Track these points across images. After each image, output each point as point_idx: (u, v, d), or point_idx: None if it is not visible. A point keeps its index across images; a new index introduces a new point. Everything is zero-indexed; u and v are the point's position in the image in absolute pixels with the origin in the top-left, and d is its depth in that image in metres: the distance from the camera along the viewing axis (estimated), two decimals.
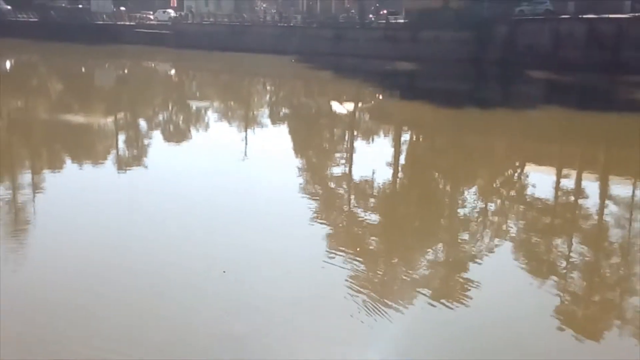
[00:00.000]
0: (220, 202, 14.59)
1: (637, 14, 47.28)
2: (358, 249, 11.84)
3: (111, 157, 20.80)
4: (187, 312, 9.05)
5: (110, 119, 29.00)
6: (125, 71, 55.83)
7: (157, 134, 25.79)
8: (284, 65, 55.37)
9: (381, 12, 65.74)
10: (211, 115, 31.71)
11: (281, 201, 14.87)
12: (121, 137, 24.25)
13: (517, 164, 21.18)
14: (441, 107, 32.57)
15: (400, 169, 20.49)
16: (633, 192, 17.24)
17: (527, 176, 19.51)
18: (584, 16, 48.14)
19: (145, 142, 23.77)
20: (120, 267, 10.63)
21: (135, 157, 21.32)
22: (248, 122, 29.19)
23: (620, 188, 17.85)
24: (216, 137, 25.53)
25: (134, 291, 9.73)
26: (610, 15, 46.86)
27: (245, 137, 24.85)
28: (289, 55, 58.03)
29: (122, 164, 19.45)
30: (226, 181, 16.74)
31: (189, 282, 10.04)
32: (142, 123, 28.63)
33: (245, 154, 21.20)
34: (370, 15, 65.04)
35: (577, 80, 42.46)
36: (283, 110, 34.98)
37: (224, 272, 10.35)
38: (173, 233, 12.37)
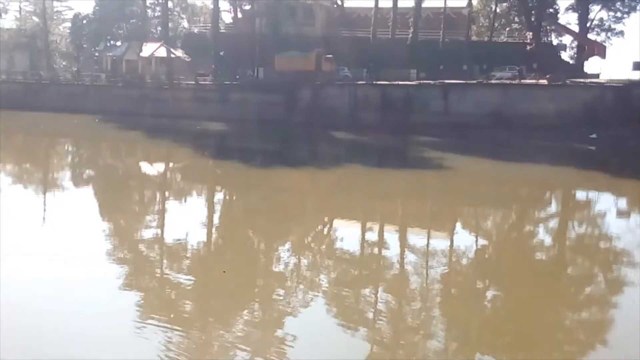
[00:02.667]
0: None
1: (421, 82, 53.24)
2: (172, 316, 11.41)
3: None
4: None
5: None
6: None
7: None
8: (87, 125, 52.65)
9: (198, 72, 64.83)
10: (2, 180, 28.82)
11: (86, 268, 13.86)
12: None
13: (326, 219, 22.21)
14: (252, 167, 33.24)
15: (214, 229, 20.35)
16: (428, 241, 18.98)
17: (336, 230, 20.53)
18: (378, 82, 53.03)
19: None
20: None
21: None
22: (47, 186, 27.06)
23: (417, 238, 19.55)
24: (9, 202, 23.22)
25: None
26: (400, 82, 52.23)
27: (44, 202, 22.97)
28: (93, 114, 55.42)
29: None
30: (19, 248, 15.21)
31: None
32: None
33: (44, 220, 19.55)
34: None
35: (374, 140, 46.16)
36: (87, 172, 33.01)
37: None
38: None
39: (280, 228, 20.09)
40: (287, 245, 18.13)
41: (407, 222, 22.15)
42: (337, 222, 21.69)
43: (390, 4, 63.77)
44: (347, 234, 19.33)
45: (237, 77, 60.47)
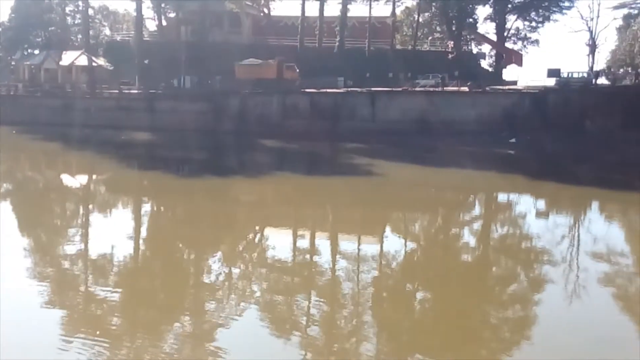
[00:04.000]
0: None
1: (349, 89, 53.98)
2: (98, 332, 11.01)
3: None
4: None
5: None
6: None
7: None
8: (3, 137, 50.14)
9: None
10: None
11: (4, 287, 13.17)
12: None
13: (257, 227, 22.08)
14: (180, 177, 32.65)
15: (141, 241, 19.81)
16: (359, 247, 19.21)
17: (267, 239, 20.44)
18: (306, 90, 53.35)
19: None
20: None
21: None
22: None
23: (348, 244, 19.76)
24: None
25: None
26: (328, 90, 52.76)
27: None
28: (10, 126, 52.85)
29: None
30: None
31: None
32: None
33: None
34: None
35: (303, 147, 46.37)
36: (4, 186, 31.38)
37: None
38: None
39: (209, 238, 19.80)
40: (218, 256, 17.89)
41: (338, 228, 22.31)
42: (268, 231, 21.60)
43: (316, 13, 64.43)
44: (278, 242, 19.29)
45: (163, 85, 59.19)
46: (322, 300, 13.80)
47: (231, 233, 21.02)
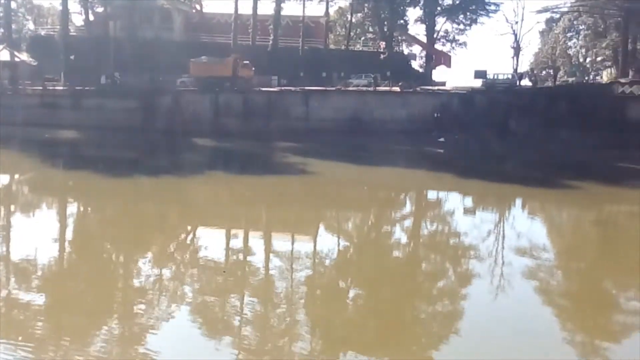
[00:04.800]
0: None
1: (282, 88, 53.96)
2: (20, 338, 10.57)
3: None
4: None
5: None
6: None
7: None
8: None
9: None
10: None
11: None
12: None
13: (189, 228, 21.76)
14: (109, 176, 31.67)
15: (67, 243, 19.13)
16: (292, 245, 19.26)
17: (199, 239, 20.17)
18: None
19: None
20: None
21: None
22: None
23: (282, 243, 19.77)
24: None
25: None
26: (261, 89, 52.55)
27: None
28: None
29: None
30: None
31: None
32: None
33: None
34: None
35: (237, 146, 46.00)
36: None
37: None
38: None
39: (139, 239, 19.34)
40: (148, 257, 17.50)
41: (272, 227, 22.29)
42: (200, 231, 21.32)
43: (250, 11, 64.06)
44: (211, 242, 19.06)
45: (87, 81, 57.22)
46: (255, 300, 13.77)
47: (162, 234, 20.60)
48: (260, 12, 64.41)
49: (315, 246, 19.56)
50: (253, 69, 56.51)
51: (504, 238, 21.95)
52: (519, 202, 29.65)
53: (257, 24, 64.28)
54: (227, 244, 19.26)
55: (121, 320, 12.16)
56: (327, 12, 69.98)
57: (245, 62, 56.11)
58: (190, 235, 20.81)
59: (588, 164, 39.27)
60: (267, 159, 42.02)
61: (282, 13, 65.25)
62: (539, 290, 15.65)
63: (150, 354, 10.32)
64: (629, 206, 29.30)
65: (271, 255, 17.92)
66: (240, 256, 18.06)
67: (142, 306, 12.90)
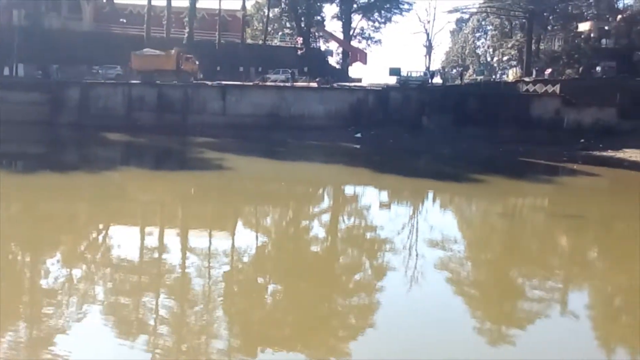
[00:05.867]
0: None
1: (199, 82, 53.01)
2: None
3: None
4: None
5: None
6: None
7: None
8: None
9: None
10: None
11: None
12: None
13: (101, 226, 20.97)
14: (11, 173, 30.03)
15: None
16: (210, 242, 19.00)
17: (111, 238, 19.48)
18: (155, 82, 51.64)
19: None
20: None
21: None
22: None
23: (199, 240, 19.45)
24: None
25: None
26: (177, 82, 51.39)
27: None
28: None
29: None
30: None
31: None
32: None
33: None
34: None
35: (151, 141, 44.79)
36: None
37: None
38: None
39: (46, 239, 18.44)
40: (56, 257, 16.73)
41: (188, 224, 21.88)
42: (112, 229, 20.59)
43: (164, 2, 62.54)
44: (124, 241, 18.41)
45: None
46: (171, 298, 13.49)
47: (71, 232, 19.74)
48: (175, 3, 63.18)
49: (232, 242, 19.40)
50: (197, 62, 55.39)
51: (418, 231, 22.65)
52: (431, 195, 30.66)
53: (171, 16, 62.82)
54: (141, 241, 18.74)
55: (28, 323, 11.57)
56: (244, 6, 69.36)
57: (188, 55, 54.94)
58: (102, 234, 20.06)
59: (495, 158, 41.22)
60: (183, 154, 41.23)
61: (198, 6, 64.07)
62: (450, 281, 16.27)
63: (59, 357, 9.89)
64: (533, 198, 31.03)
65: (187, 252, 17.60)
66: (155, 254, 17.63)
67: (51, 308, 12.34)
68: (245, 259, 17.69)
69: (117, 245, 18.20)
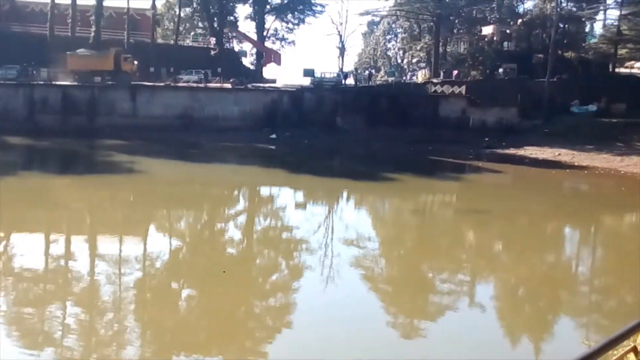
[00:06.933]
0: None
1: (106, 83, 51.11)
2: None
3: None
4: None
5: None
6: None
7: None
8: None
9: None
10: None
11: None
12: None
13: (2, 234, 19.78)
14: None
15: None
16: (120, 248, 18.39)
17: (13, 246, 18.43)
18: (58, 83, 49.31)
19: None
20: None
21: None
22: None
23: (109, 246, 18.77)
24: None
25: None
26: (84, 84, 49.40)
27: None
28: None
29: None
30: None
31: None
32: None
33: None
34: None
35: (56, 145, 42.70)
36: None
37: None
38: None
39: None
40: None
41: (97, 230, 21.07)
42: (14, 237, 19.46)
43: (68, 0, 59.80)
44: (28, 249, 17.46)
45: None
46: (79, 308, 12.95)
47: None
48: (80, 2, 60.45)
49: (144, 248, 18.86)
50: (136, 62, 53.59)
51: (333, 230, 22.94)
52: (346, 194, 31.11)
53: (77, 14, 60.17)
54: (47, 249, 17.85)
55: None
56: (154, 5, 67.43)
57: (127, 55, 53.08)
58: (2, 243, 18.93)
59: (406, 157, 42.37)
60: (91, 158, 39.61)
61: (105, 4, 61.75)
62: (365, 278, 16.60)
63: None
64: (442, 195, 32.19)
65: (96, 259, 16.95)
66: (61, 263, 16.86)
67: None
68: (158, 265, 17.26)
69: (19, 253, 17.23)
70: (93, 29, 60.49)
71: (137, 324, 12.32)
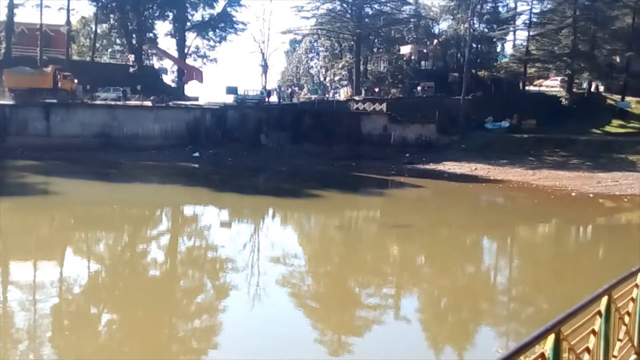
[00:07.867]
0: None
1: (17, 102, 48.79)
2: None
3: None
4: None
5: None
6: None
7: None
8: None
9: None
10: None
11: None
12: None
13: None
14: None
15: None
16: (35, 274, 17.48)
17: None
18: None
19: None
20: None
21: None
22: None
23: (22, 272, 17.81)
24: None
25: None
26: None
27: None
28: None
29: None
30: None
31: None
32: None
33: None
34: None
35: None
36: None
37: None
38: None
39: None
40: None
41: (8, 255, 19.90)
42: None
43: None
44: None
45: None
46: None
47: None
48: None
49: (61, 273, 18.02)
50: (76, 80, 51.66)
51: (259, 248, 22.77)
52: (271, 212, 31.01)
53: None
54: None
55: None
56: (68, 21, 65.15)
57: (66, 74, 51.13)
58: None
59: (330, 174, 42.81)
60: (2, 179, 37.54)
61: (16, 19, 59.14)
62: (292, 295, 16.55)
63: None
64: (366, 211, 32.69)
65: (8, 286, 16.03)
66: None
67: None
68: (76, 290, 16.53)
69: None
70: (3, 45, 57.79)
71: (54, 352, 11.71)
